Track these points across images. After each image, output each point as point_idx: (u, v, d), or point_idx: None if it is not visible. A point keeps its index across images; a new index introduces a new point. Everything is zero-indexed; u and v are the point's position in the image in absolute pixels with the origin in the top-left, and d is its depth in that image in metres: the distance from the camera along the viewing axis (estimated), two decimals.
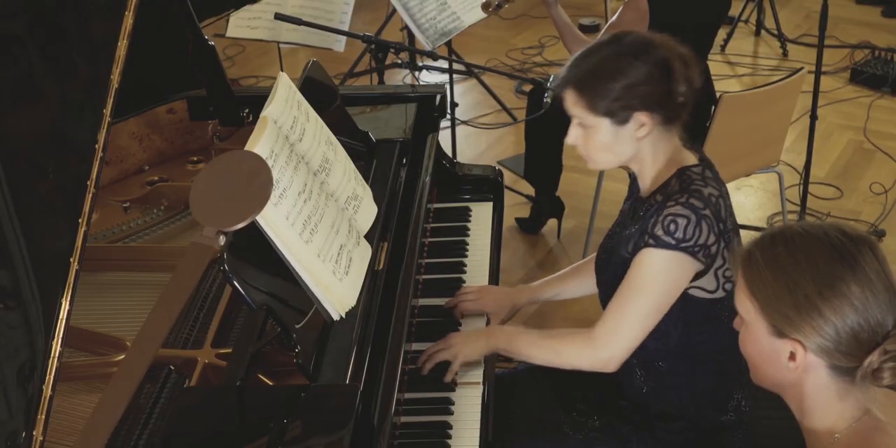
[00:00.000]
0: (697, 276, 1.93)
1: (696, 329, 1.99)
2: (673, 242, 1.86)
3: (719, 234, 1.88)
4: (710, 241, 1.87)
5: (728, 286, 1.96)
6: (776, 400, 1.62)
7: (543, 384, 2.23)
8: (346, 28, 3.62)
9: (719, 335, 1.98)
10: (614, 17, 3.37)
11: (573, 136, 1.98)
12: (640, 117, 1.89)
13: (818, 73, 3.69)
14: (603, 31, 3.41)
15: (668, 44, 1.91)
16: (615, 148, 1.95)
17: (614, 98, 1.88)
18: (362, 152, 2.30)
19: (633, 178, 2.13)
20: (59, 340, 1.50)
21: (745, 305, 1.53)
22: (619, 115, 1.90)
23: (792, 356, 1.49)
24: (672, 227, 1.86)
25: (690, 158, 2.00)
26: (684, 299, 1.94)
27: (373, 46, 3.13)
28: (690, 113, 1.97)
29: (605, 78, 1.89)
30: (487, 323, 2.29)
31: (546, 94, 3.01)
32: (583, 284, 2.35)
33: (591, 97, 1.90)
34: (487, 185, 2.69)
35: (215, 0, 3.12)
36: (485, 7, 3.47)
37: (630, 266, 1.93)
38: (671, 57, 1.88)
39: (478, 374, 2.09)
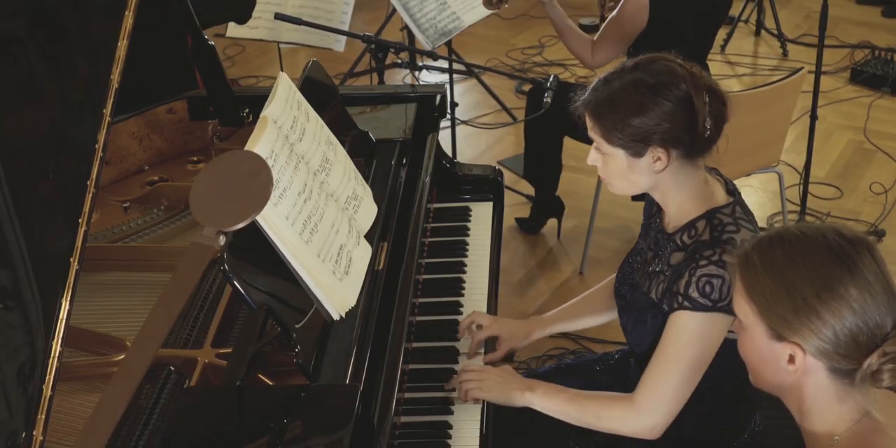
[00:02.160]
0: None
1: (722, 360, 1.92)
2: (710, 304, 1.81)
3: None
4: None
5: None
6: (776, 400, 1.62)
7: None
8: (346, 28, 3.62)
9: (744, 365, 1.94)
10: (615, 12, 3.36)
11: (592, 158, 1.93)
12: (656, 152, 1.84)
13: (818, 73, 3.69)
14: (604, 25, 3.40)
15: (696, 76, 1.83)
16: (631, 177, 1.89)
17: (630, 133, 1.82)
18: (362, 152, 2.30)
19: (649, 203, 2.08)
20: (59, 340, 1.50)
21: (744, 309, 1.53)
22: (634, 148, 1.84)
23: (791, 359, 1.49)
24: (708, 288, 1.80)
25: (719, 193, 1.93)
26: None
27: (373, 46, 3.13)
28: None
29: (622, 111, 1.82)
30: (488, 312, 2.26)
31: (546, 94, 3.01)
32: (596, 315, 2.29)
33: (608, 127, 1.85)
34: (487, 185, 2.69)
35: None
36: (487, 2, 3.47)
37: (666, 328, 1.87)
38: (696, 93, 1.81)
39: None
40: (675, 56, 1.89)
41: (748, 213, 1.93)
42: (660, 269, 1.94)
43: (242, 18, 3.74)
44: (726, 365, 1.92)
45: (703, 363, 1.86)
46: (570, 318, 2.30)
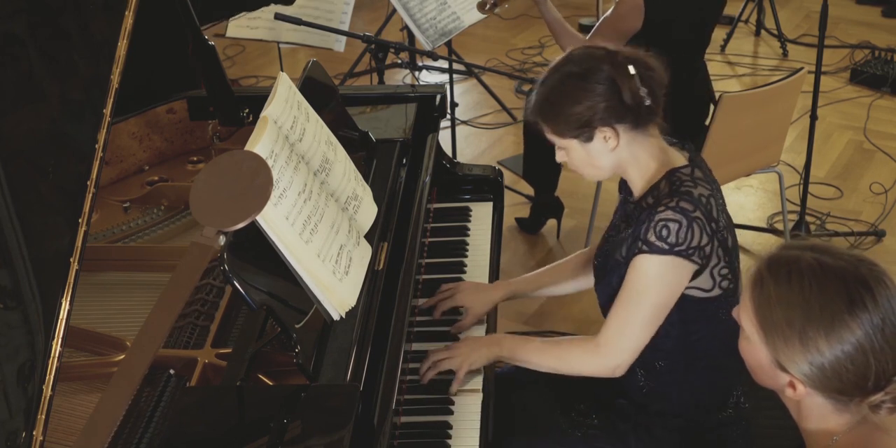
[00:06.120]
0: (693, 275, 1.94)
1: (692, 327, 2.00)
2: (666, 247, 1.88)
3: (712, 233, 1.90)
4: (704, 241, 1.89)
5: (724, 284, 1.97)
6: (775, 399, 1.62)
7: (542, 382, 2.23)
8: (346, 28, 3.62)
9: (717, 332, 2.00)
10: (609, 12, 3.36)
11: (559, 156, 2.04)
12: (603, 132, 1.93)
13: (818, 73, 3.70)
14: (597, 25, 3.40)
15: (613, 53, 1.93)
16: (594, 162, 1.99)
17: (573, 122, 1.93)
18: (362, 152, 2.30)
19: (622, 182, 2.13)
20: (59, 340, 1.50)
21: (751, 328, 1.51)
22: (583, 134, 1.94)
23: (791, 384, 1.48)
24: (664, 232, 1.88)
25: (679, 159, 2.01)
26: (680, 299, 1.96)
27: (373, 46, 3.13)
28: (667, 110, 1.99)
29: (559, 104, 1.93)
30: (487, 331, 2.27)
31: None
32: (565, 283, 2.37)
33: (552, 124, 1.96)
34: (487, 185, 2.69)
35: (228, 2, 3.10)
36: (480, 6, 3.47)
37: (626, 272, 1.94)
38: (617, 68, 1.90)
39: (478, 381, 2.07)
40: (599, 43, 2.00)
41: (708, 177, 1.99)
42: (629, 233, 2.00)
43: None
44: (696, 327, 2.00)
45: (663, 307, 1.94)
46: (534, 283, 2.39)
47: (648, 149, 1.98)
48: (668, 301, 1.93)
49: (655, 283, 1.91)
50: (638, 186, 2.02)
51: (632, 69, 1.90)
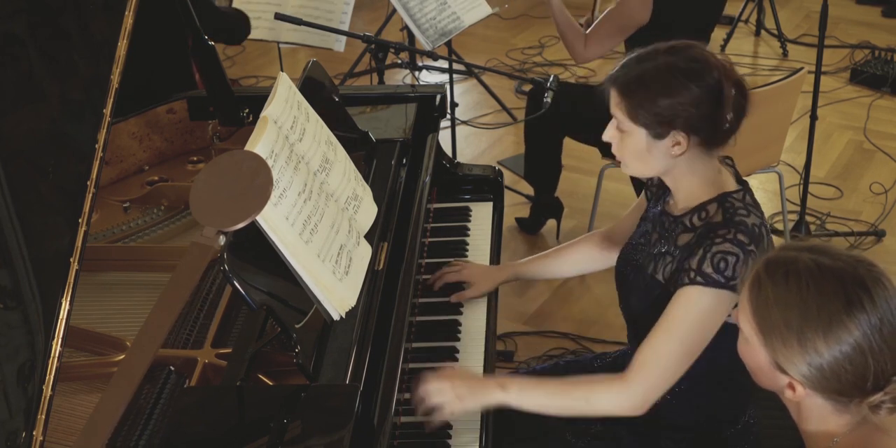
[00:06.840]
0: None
1: (722, 353, 1.92)
2: (723, 280, 1.81)
3: None
4: None
5: None
6: (776, 400, 1.62)
7: None
8: (346, 28, 3.62)
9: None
10: (615, 4, 3.34)
11: (609, 134, 1.93)
12: (678, 136, 1.84)
13: (818, 73, 3.70)
14: (601, 18, 3.39)
15: (727, 68, 1.85)
16: (647, 159, 1.90)
17: (656, 113, 1.83)
18: (362, 152, 2.30)
19: (655, 191, 2.09)
20: (59, 340, 1.50)
21: (749, 330, 1.51)
22: (657, 129, 1.84)
23: (790, 386, 1.49)
24: (722, 265, 1.80)
25: (730, 181, 1.96)
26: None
27: (373, 46, 3.13)
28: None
29: (652, 90, 1.83)
30: (488, 312, 2.27)
31: (546, 94, 3.01)
32: (566, 266, 2.38)
33: (634, 105, 1.85)
34: (487, 185, 2.69)
35: None
36: None
37: (672, 302, 1.85)
38: (726, 83, 1.83)
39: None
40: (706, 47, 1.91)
41: (756, 203, 1.94)
42: (666, 250, 1.95)
43: (234, 41, 3.77)
44: (724, 352, 1.93)
45: (704, 341, 1.85)
46: (540, 267, 2.39)
47: (705, 170, 1.92)
48: (710, 335, 1.86)
49: (706, 317, 1.83)
50: (680, 199, 1.96)
51: (733, 89, 1.82)
